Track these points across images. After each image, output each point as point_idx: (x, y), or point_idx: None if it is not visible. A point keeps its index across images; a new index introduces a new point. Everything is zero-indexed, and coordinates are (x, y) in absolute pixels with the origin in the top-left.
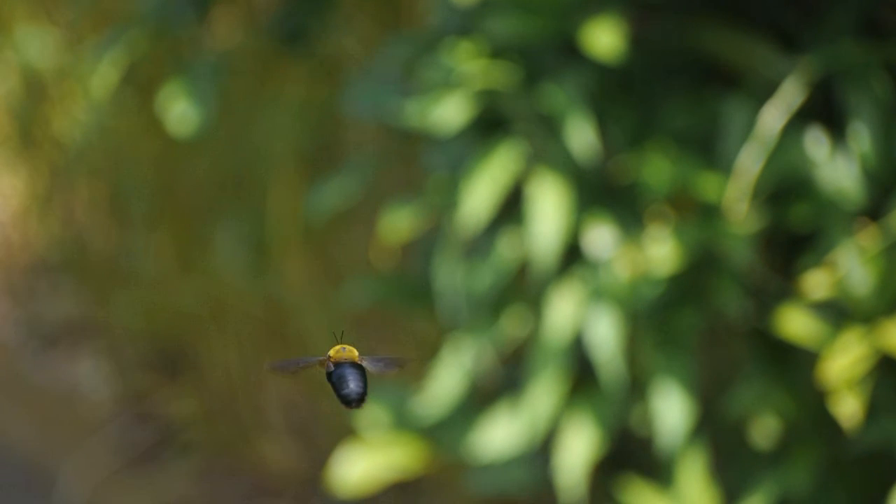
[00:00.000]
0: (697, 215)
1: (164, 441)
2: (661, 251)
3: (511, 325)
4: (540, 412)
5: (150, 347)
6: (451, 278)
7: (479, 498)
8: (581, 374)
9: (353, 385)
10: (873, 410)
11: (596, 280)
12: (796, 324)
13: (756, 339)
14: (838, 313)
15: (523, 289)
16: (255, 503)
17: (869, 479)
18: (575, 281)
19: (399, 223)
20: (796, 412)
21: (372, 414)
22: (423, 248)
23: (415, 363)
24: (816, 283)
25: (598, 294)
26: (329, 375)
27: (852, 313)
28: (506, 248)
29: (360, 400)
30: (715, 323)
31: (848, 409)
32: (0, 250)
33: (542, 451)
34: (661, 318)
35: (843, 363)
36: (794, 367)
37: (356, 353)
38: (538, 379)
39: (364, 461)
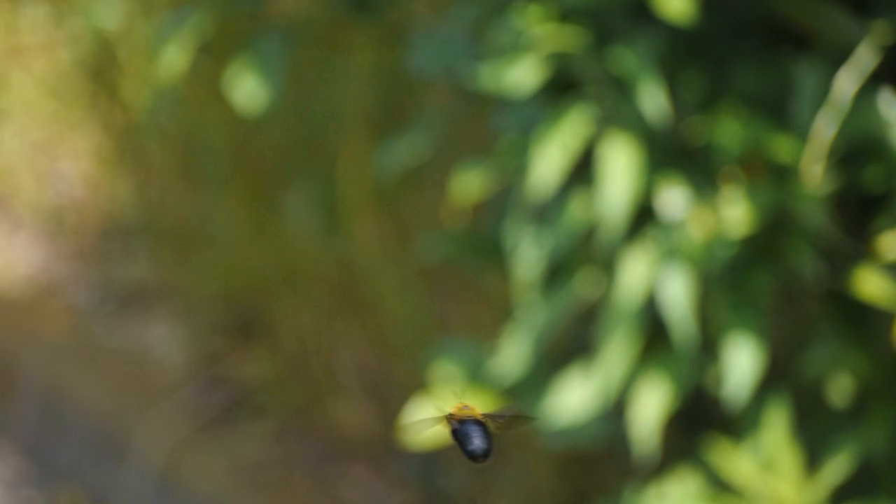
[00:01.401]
0: (770, 177)
1: (237, 404)
2: (734, 213)
3: (583, 287)
4: (613, 373)
5: (224, 310)
6: (522, 240)
7: (552, 453)
8: (654, 334)
9: (477, 441)
10: None
11: (669, 241)
12: (871, 284)
13: (831, 300)
14: None
15: (595, 251)
16: (329, 465)
17: None
18: (647, 242)
19: (469, 184)
20: (872, 373)
21: (444, 370)
22: (495, 208)
23: (489, 322)
24: (891, 243)
25: (671, 254)
26: (454, 433)
27: None
28: (577, 210)
29: (485, 456)
30: (789, 284)
31: None
32: (73, 214)
33: (615, 408)
34: (734, 278)
35: None
36: (869, 327)
37: (478, 410)
38: (611, 340)
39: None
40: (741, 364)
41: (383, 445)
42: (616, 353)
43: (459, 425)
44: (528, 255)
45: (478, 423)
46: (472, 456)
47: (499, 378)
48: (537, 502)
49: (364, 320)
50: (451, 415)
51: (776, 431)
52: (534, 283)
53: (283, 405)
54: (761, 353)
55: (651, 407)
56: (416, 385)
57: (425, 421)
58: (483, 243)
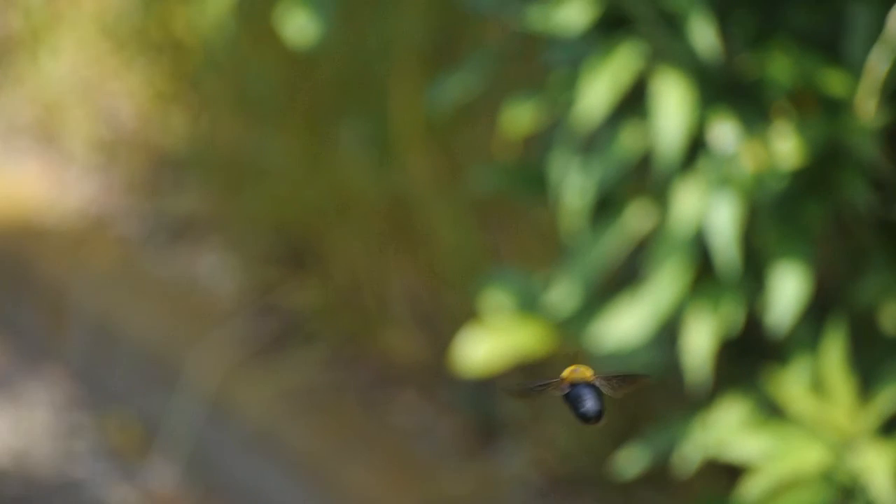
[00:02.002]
0: (821, 111)
1: (288, 332)
2: (786, 146)
3: (635, 218)
4: (664, 300)
5: (275, 241)
6: (570, 169)
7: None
8: (705, 265)
9: (589, 404)
10: None
11: (720, 172)
12: None
13: (883, 230)
14: None
15: (646, 182)
16: (379, 391)
17: None
18: (699, 174)
19: (520, 118)
20: None
21: (495, 298)
22: (545, 142)
23: (540, 254)
24: None
25: (722, 184)
26: (565, 396)
27: None
28: (627, 140)
29: (597, 418)
30: (841, 215)
31: None
32: (124, 148)
33: (666, 334)
34: (784, 210)
35: None
36: None
37: (590, 372)
38: (662, 268)
39: (488, 341)
40: (787, 290)
41: (433, 372)
42: (667, 281)
43: (571, 388)
44: (576, 184)
45: (589, 385)
46: (585, 418)
47: (551, 310)
48: (587, 429)
49: (415, 251)
50: (562, 378)
51: (830, 358)
52: (582, 214)
53: (334, 333)
54: (808, 280)
55: (702, 335)
56: (466, 314)
57: (533, 383)
58: (533, 175)
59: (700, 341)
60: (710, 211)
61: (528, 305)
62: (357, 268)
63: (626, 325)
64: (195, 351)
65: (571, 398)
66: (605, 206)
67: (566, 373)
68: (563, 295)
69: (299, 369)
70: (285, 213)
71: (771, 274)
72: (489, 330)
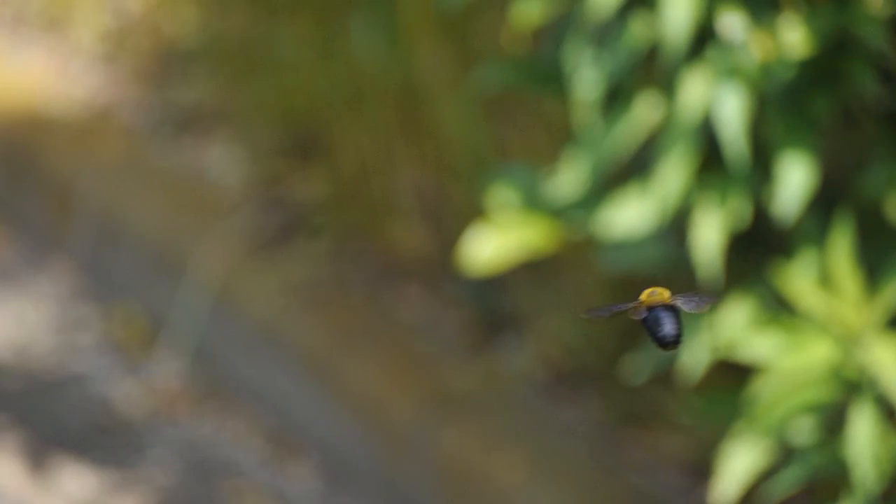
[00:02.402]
0: (830, 1)
1: (294, 225)
2: (794, 35)
3: (643, 109)
4: (670, 190)
5: (283, 133)
6: (582, 61)
7: (610, 277)
8: (711, 155)
9: (668, 327)
10: None
11: (727, 61)
12: None
13: (890, 122)
14: None
15: (655, 72)
16: (383, 285)
17: None
18: (707, 63)
19: (530, 10)
20: None
21: (501, 195)
22: (555, 34)
23: (548, 148)
24: None
25: (729, 74)
26: (644, 320)
27: None
28: (637, 31)
29: (676, 342)
30: (849, 106)
31: None
32: (131, 38)
33: (674, 229)
34: (792, 101)
35: None
36: None
37: (667, 294)
38: (669, 157)
39: (495, 239)
40: (794, 180)
41: (438, 266)
42: (673, 170)
43: (649, 312)
44: (588, 77)
45: (668, 307)
46: (663, 342)
47: (556, 200)
48: (593, 324)
49: (423, 143)
50: (640, 301)
51: (837, 251)
52: (594, 106)
53: (340, 226)
54: (815, 171)
55: (711, 228)
56: (472, 208)
57: (611, 307)
58: (543, 69)
59: (710, 235)
60: (718, 101)
61: (535, 201)
62: (364, 160)
63: (631, 214)
64: (200, 244)
65: (649, 322)
66: (615, 98)
67: (644, 296)
68: (570, 183)
69: (304, 262)
70: (294, 105)
71: (777, 165)
72: (496, 227)
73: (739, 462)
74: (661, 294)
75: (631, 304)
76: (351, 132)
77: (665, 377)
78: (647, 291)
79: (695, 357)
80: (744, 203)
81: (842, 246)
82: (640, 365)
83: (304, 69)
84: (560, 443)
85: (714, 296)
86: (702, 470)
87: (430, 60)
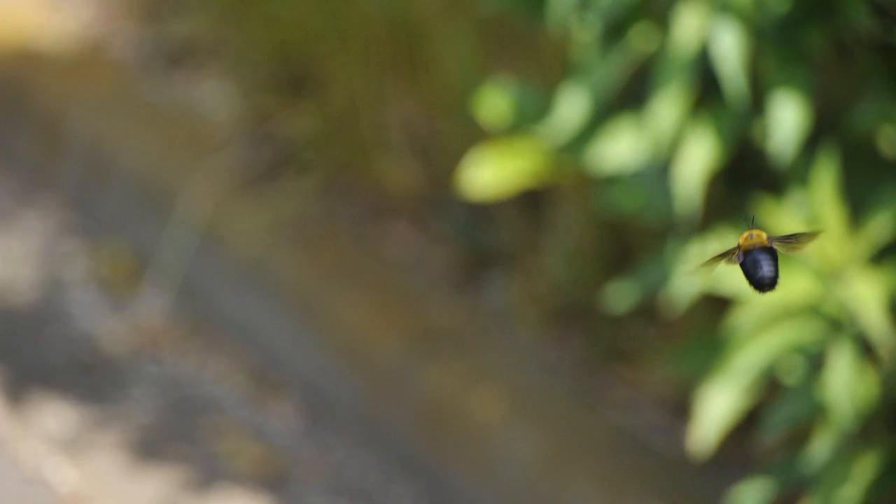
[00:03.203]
0: None
1: (283, 161)
2: None
3: (638, 41)
4: (663, 122)
5: (274, 68)
6: None
7: (599, 214)
8: (705, 90)
9: (766, 269)
10: None
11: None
12: None
13: (882, 56)
14: None
15: (651, 6)
16: (371, 222)
17: None
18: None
19: None
20: None
21: (495, 109)
22: None
23: (543, 80)
24: None
25: (724, 8)
26: (742, 264)
27: None
28: None
29: (772, 284)
30: (842, 40)
31: None
32: None
33: (667, 165)
34: (785, 35)
35: None
36: None
37: (764, 236)
38: (663, 91)
39: (493, 165)
40: (788, 119)
41: (426, 203)
42: (667, 104)
43: (745, 255)
44: (580, 7)
45: (765, 249)
46: (760, 284)
47: (554, 127)
48: (579, 258)
49: (415, 79)
50: (738, 246)
51: (822, 187)
52: (591, 40)
53: (329, 163)
54: (808, 109)
55: (696, 162)
56: (462, 144)
57: (715, 258)
58: None
59: (693, 168)
60: (714, 36)
61: (529, 118)
62: (355, 95)
63: (624, 147)
64: (189, 180)
65: (747, 265)
66: (611, 29)
67: (741, 240)
68: (568, 113)
69: (292, 199)
70: (286, 40)
71: (771, 102)
72: (493, 153)
73: (717, 404)
74: (758, 236)
75: (731, 250)
76: (342, 67)
77: (650, 312)
78: (744, 235)
79: (679, 289)
80: (735, 136)
81: (826, 181)
82: (621, 295)
83: (297, 3)
84: (542, 380)
85: (813, 235)
86: (683, 407)
87: None
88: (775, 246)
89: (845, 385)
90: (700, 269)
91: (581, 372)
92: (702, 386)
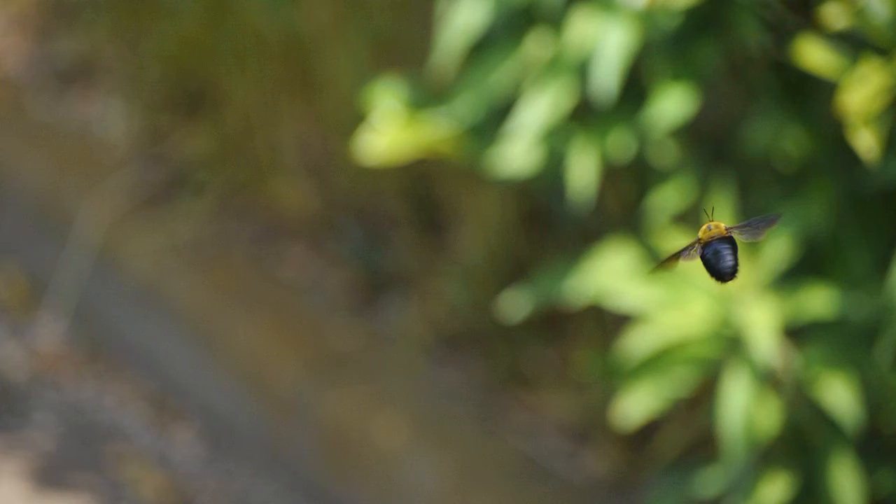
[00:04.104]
0: None
1: (179, 181)
2: None
3: (533, 46)
4: (544, 124)
5: (169, 88)
6: (463, 7)
7: (494, 236)
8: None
9: (727, 259)
10: (893, 147)
11: (613, 4)
12: (814, 54)
13: (774, 72)
14: (858, 45)
15: (545, 12)
16: (267, 244)
17: (888, 214)
18: (592, 5)
19: None
20: (813, 146)
21: (385, 103)
22: None
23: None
24: (834, 14)
25: (614, 14)
26: (702, 256)
27: (871, 43)
28: None
29: (733, 273)
30: (734, 56)
31: (866, 141)
32: None
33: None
34: (677, 49)
35: (862, 95)
36: (811, 99)
37: (723, 226)
38: (546, 95)
39: (389, 134)
40: (668, 104)
41: (322, 225)
42: (549, 106)
43: (707, 247)
44: (461, 21)
45: (725, 239)
46: (721, 275)
47: (448, 125)
48: (477, 279)
49: (309, 99)
50: (698, 239)
51: (718, 207)
52: (482, 44)
53: (224, 183)
54: (691, 102)
55: (587, 162)
56: (357, 165)
57: (677, 254)
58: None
59: (584, 176)
60: (600, 39)
61: (417, 104)
62: (249, 115)
63: (515, 151)
64: (84, 201)
65: (709, 256)
66: (506, 32)
67: (700, 232)
68: (459, 115)
69: (187, 220)
70: (181, 58)
71: (654, 98)
72: (391, 123)
73: (642, 395)
74: (716, 227)
75: (691, 245)
76: (237, 86)
77: (549, 335)
78: (703, 227)
79: (570, 301)
80: (622, 144)
81: (723, 202)
82: (515, 306)
83: (192, 22)
84: (443, 405)
85: (771, 220)
86: (584, 433)
87: (316, 11)
88: (734, 235)
89: (739, 410)
90: (660, 266)
91: (482, 396)
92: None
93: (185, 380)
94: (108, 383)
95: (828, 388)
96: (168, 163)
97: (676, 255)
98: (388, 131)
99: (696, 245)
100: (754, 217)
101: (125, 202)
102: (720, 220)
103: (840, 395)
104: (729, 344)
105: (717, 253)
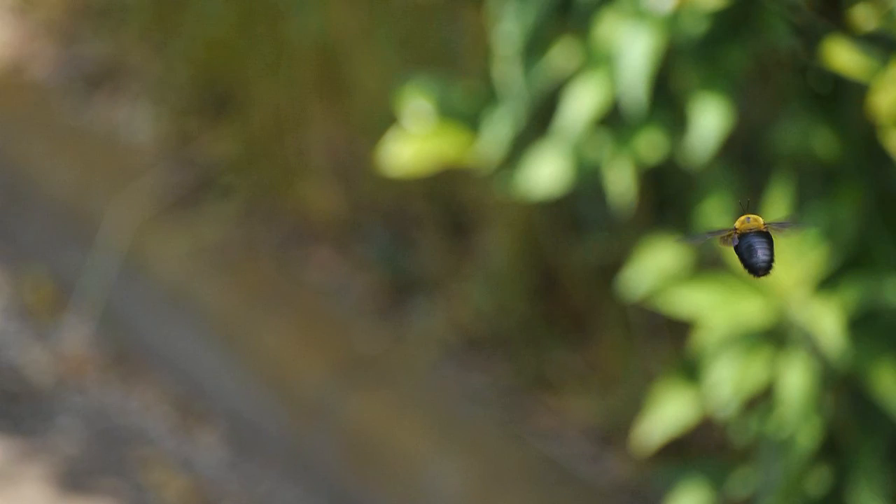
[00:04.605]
0: None
1: (205, 185)
2: None
3: (559, 57)
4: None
5: (196, 91)
6: (505, 13)
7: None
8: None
9: (761, 254)
10: None
11: (639, 8)
12: (843, 56)
13: (803, 75)
14: (888, 47)
15: (571, 22)
16: (294, 247)
17: None
18: (619, 9)
19: None
20: (843, 148)
21: (415, 103)
22: None
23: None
24: (864, 16)
25: (641, 19)
26: (737, 247)
27: None
28: None
29: (767, 268)
30: (763, 59)
31: None
32: None
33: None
34: (706, 53)
35: (894, 96)
36: (842, 102)
37: (761, 221)
38: (578, 108)
39: (414, 144)
40: (706, 123)
41: (349, 228)
42: (581, 121)
43: (743, 238)
44: (510, 29)
45: (761, 233)
46: (754, 268)
47: (482, 155)
48: (503, 285)
49: (337, 102)
50: (734, 228)
51: (773, 206)
52: (514, 59)
53: (251, 187)
54: (728, 115)
55: (622, 168)
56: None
57: (706, 234)
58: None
59: (620, 173)
60: (625, 46)
61: (450, 112)
62: (277, 118)
63: (547, 171)
64: (111, 205)
65: (742, 248)
66: (533, 47)
67: (738, 223)
68: (493, 141)
69: (215, 224)
70: (209, 61)
71: (691, 111)
72: (415, 133)
73: (668, 410)
74: (754, 221)
75: (725, 231)
76: (265, 90)
77: (574, 340)
78: (741, 218)
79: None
80: (655, 147)
81: (779, 201)
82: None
83: (220, 26)
84: (468, 409)
85: (806, 222)
86: (608, 437)
87: (345, 17)
88: (771, 231)
89: (801, 407)
90: (692, 240)
91: (507, 400)
92: (655, 390)
93: (209, 383)
94: (133, 387)
95: (878, 380)
96: (195, 166)
97: (709, 234)
98: (415, 140)
99: (733, 234)
100: (791, 216)
101: (152, 206)
102: (757, 214)
103: (890, 388)
104: (787, 340)
105: (751, 247)
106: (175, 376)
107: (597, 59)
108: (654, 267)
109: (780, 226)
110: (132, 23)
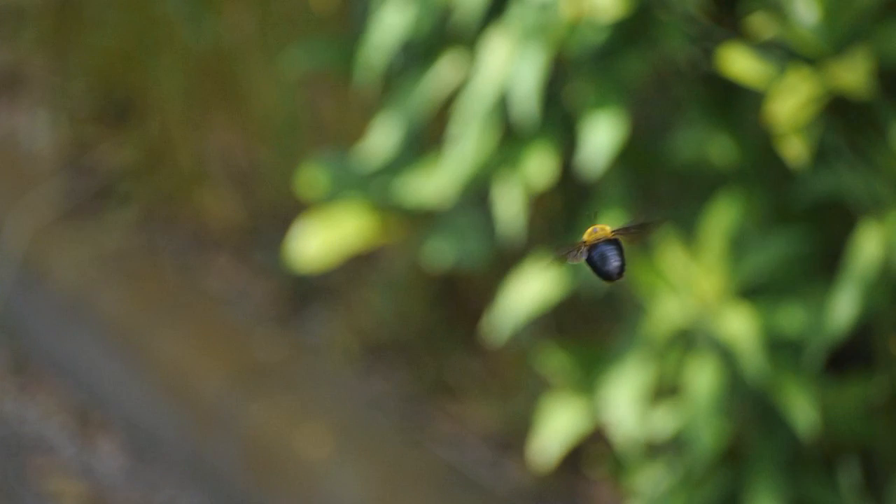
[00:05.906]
0: None
1: (105, 192)
2: None
3: (446, 69)
4: (468, 162)
5: (95, 99)
6: (385, 23)
7: (435, 269)
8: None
9: (613, 261)
10: (822, 157)
11: (531, 21)
12: (741, 64)
13: (701, 83)
14: (786, 55)
15: (456, 31)
16: (193, 254)
17: (818, 226)
18: (512, 22)
19: None
20: (740, 155)
21: (315, 181)
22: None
23: (359, 110)
24: (760, 24)
25: (536, 33)
26: (589, 258)
27: (799, 53)
28: None
29: (620, 273)
30: (661, 68)
31: (795, 149)
32: None
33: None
34: (603, 64)
35: (791, 104)
36: (739, 109)
37: (608, 229)
38: (467, 127)
39: (320, 234)
40: (598, 138)
41: (248, 235)
42: (471, 141)
43: (593, 249)
44: (387, 34)
45: (610, 241)
46: (609, 276)
47: (364, 169)
48: (405, 291)
49: (234, 110)
50: (583, 242)
51: (712, 223)
52: (399, 69)
53: (150, 194)
54: (621, 128)
55: (514, 199)
56: (282, 176)
57: (562, 253)
58: (352, 48)
59: (511, 204)
60: (518, 61)
61: (349, 185)
62: (175, 126)
63: (434, 185)
64: (9, 213)
65: (595, 259)
66: (420, 58)
67: (586, 236)
68: (379, 148)
69: (113, 231)
70: (107, 68)
71: (584, 125)
72: (320, 221)
73: (560, 422)
74: (602, 230)
75: (576, 247)
76: (163, 97)
77: (473, 346)
78: (588, 230)
79: (502, 319)
80: (546, 164)
81: (719, 221)
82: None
83: (118, 34)
84: (369, 416)
85: (654, 223)
86: (508, 443)
87: (237, 24)
88: (619, 237)
89: (706, 414)
90: (553, 262)
91: (407, 407)
92: (544, 402)
93: (109, 391)
94: (32, 395)
95: (782, 390)
96: (94, 174)
97: (563, 256)
98: (317, 232)
99: (583, 248)
100: (636, 221)
101: (50, 213)
102: (605, 224)
103: (798, 404)
104: (698, 344)
105: (603, 255)
106: (74, 384)
107: (487, 76)
108: (527, 298)
109: (629, 231)
110: (30, 31)
